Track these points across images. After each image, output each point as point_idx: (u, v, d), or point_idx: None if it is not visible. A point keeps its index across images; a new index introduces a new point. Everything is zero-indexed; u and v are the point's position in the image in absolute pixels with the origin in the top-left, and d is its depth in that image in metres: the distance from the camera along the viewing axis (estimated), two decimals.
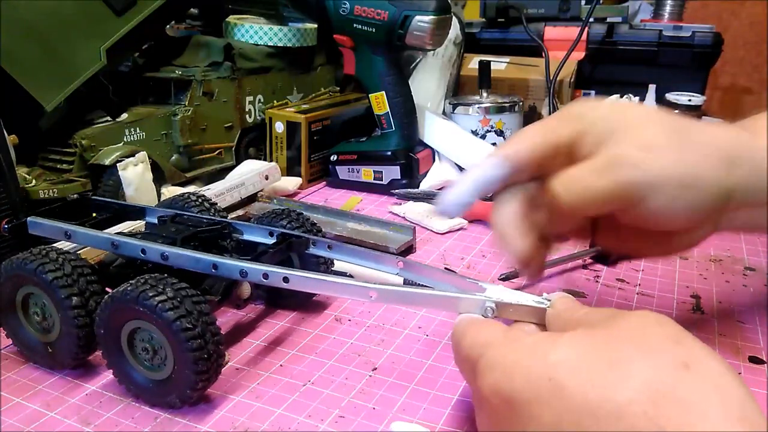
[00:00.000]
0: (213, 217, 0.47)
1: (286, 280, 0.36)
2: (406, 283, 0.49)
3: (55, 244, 0.48)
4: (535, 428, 0.25)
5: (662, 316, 0.26)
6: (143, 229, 0.48)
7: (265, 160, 0.80)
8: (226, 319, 0.46)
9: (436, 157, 0.78)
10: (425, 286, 0.45)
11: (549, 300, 0.32)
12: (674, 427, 0.21)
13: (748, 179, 0.34)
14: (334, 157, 0.76)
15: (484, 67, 0.83)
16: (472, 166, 0.36)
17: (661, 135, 0.33)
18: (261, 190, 0.69)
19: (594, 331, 0.26)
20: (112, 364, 0.37)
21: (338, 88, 0.97)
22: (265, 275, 0.36)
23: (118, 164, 0.62)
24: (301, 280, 0.36)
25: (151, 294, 0.33)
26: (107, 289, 0.39)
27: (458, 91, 0.94)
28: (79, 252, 0.44)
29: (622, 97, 0.97)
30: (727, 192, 0.33)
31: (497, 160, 0.34)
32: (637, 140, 0.32)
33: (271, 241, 0.44)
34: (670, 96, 0.92)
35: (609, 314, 0.28)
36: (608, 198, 0.32)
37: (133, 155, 0.63)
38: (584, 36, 0.95)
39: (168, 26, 0.90)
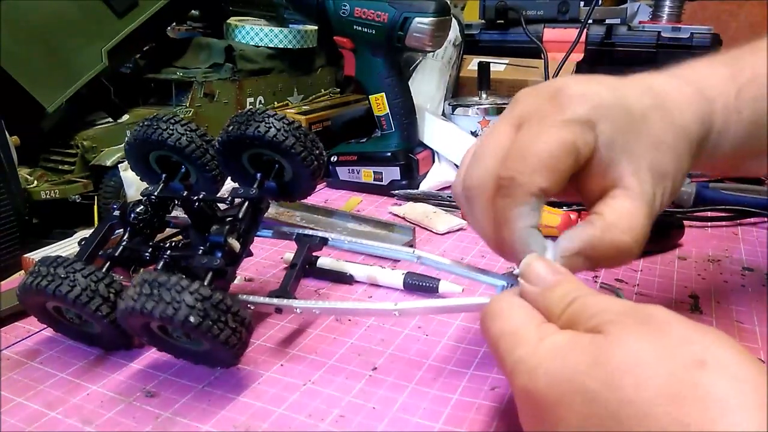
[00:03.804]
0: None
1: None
2: (407, 283, 0.50)
3: (55, 248, 0.49)
4: (564, 429, 0.25)
5: (669, 315, 0.26)
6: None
7: None
8: None
9: (436, 158, 0.78)
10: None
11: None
12: (699, 424, 0.22)
13: (703, 149, 0.35)
14: (334, 158, 0.76)
15: (484, 68, 0.83)
16: (508, 221, 0.31)
17: (672, 161, 0.33)
18: None
19: (610, 332, 0.26)
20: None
21: (338, 90, 0.98)
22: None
23: (119, 165, 0.62)
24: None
25: (150, 306, 0.34)
26: (123, 276, 0.41)
27: (458, 92, 0.95)
28: None
29: None
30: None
31: (533, 202, 0.31)
32: (656, 170, 0.32)
33: None
34: None
35: (620, 310, 0.27)
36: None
37: None
38: (583, 37, 0.95)
39: (169, 28, 0.90)
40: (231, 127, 0.43)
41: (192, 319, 0.33)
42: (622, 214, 0.31)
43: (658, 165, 0.32)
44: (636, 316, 0.26)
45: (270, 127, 0.42)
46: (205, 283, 0.37)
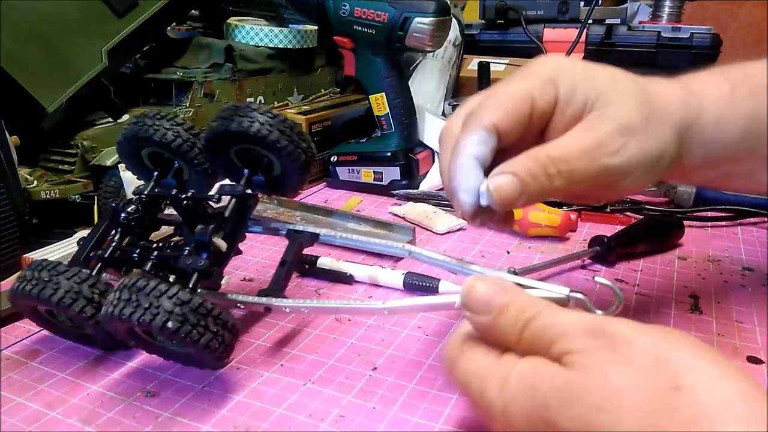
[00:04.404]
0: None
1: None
2: (407, 283, 0.50)
3: (55, 248, 0.48)
4: None
5: (631, 329, 0.26)
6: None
7: None
8: None
9: (436, 158, 0.78)
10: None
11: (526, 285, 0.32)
12: None
13: (697, 142, 0.36)
14: (334, 158, 0.76)
15: (484, 68, 0.83)
16: (458, 149, 0.34)
17: (637, 114, 0.34)
18: None
19: (576, 364, 0.25)
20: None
21: (338, 90, 0.98)
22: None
23: (119, 165, 0.62)
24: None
25: (128, 312, 0.33)
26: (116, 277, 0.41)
27: (458, 92, 0.95)
28: None
29: None
30: (676, 156, 0.36)
31: (482, 133, 0.33)
32: (618, 120, 0.34)
33: None
34: None
35: (580, 332, 0.26)
36: (591, 179, 0.34)
37: None
38: (583, 37, 0.95)
39: (169, 28, 0.90)
40: (215, 123, 0.42)
41: (170, 324, 0.32)
42: (561, 137, 0.34)
43: (623, 115, 0.34)
44: (598, 340, 0.25)
45: (253, 122, 0.41)
46: (191, 285, 0.37)
